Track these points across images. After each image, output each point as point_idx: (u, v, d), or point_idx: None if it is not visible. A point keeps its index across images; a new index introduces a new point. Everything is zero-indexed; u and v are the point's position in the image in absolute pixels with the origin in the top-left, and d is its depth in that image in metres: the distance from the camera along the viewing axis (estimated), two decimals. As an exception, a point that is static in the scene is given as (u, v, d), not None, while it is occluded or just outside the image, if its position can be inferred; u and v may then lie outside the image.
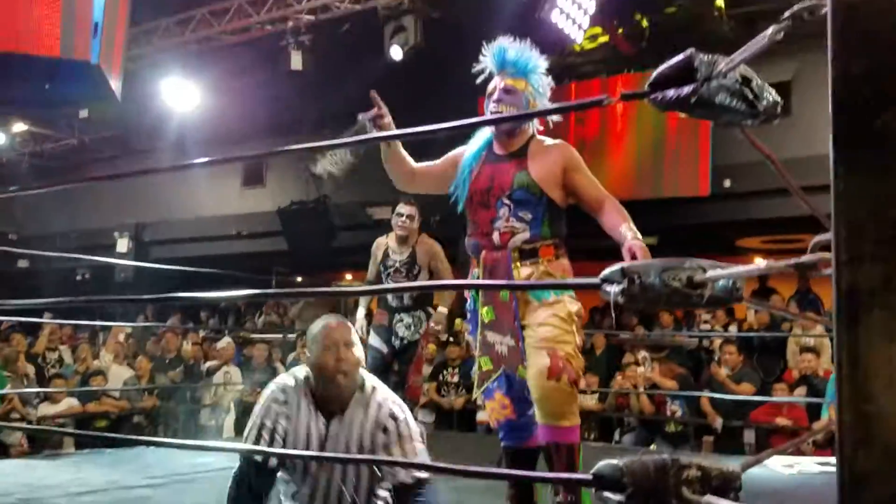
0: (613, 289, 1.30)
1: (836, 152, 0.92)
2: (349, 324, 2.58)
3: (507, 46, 3.02)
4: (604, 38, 9.50)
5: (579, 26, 7.11)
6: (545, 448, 2.62)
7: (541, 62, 3.04)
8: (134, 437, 5.99)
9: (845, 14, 0.93)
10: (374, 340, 4.83)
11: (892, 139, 0.89)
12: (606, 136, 8.98)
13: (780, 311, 5.68)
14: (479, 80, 3.10)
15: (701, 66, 1.29)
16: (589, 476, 1.33)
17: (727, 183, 8.61)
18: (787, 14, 1.13)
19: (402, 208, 4.87)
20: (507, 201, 2.89)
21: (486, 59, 3.05)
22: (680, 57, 1.32)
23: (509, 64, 2.98)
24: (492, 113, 2.96)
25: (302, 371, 2.53)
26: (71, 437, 5.72)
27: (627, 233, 2.69)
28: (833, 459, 0.93)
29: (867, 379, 0.88)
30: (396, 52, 7.17)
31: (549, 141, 2.99)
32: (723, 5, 8.61)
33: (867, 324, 0.88)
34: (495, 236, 2.87)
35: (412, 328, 4.81)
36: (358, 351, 2.50)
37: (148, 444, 3.50)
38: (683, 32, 9.22)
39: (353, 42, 8.18)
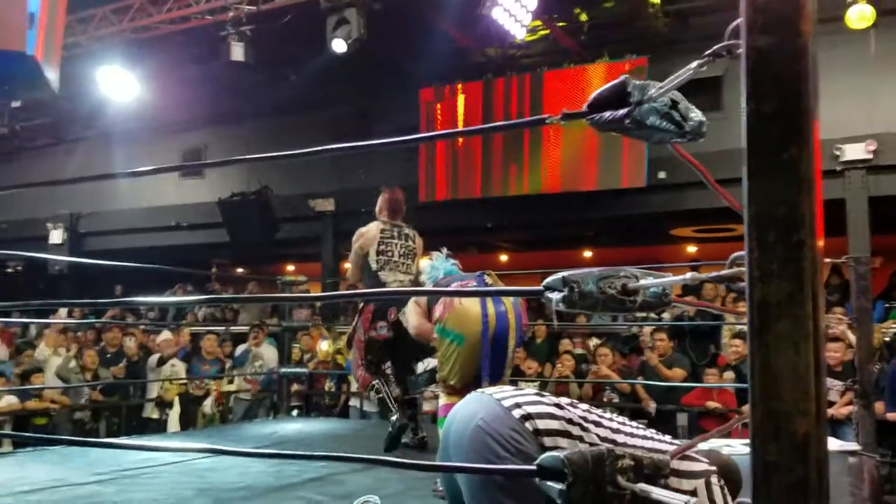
0: (555, 296, 1.42)
1: (750, 182, 1.04)
2: None
3: None
4: (544, 32, 9.68)
5: (521, 23, 7.22)
6: None
7: None
8: (79, 438, 5.93)
9: (757, 58, 1.06)
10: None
11: (796, 171, 1.02)
12: (546, 131, 9.15)
13: (705, 306, 5.93)
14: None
15: (634, 91, 1.41)
16: (533, 467, 1.46)
17: (662, 174, 8.89)
18: (708, 52, 1.25)
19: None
20: None
21: None
22: (615, 81, 1.43)
23: None
24: None
25: None
26: (9, 438, 5.62)
27: None
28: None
29: (775, 381, 1.01)
30: (339, 45, 7.16)
31: None
32: (658, 1, 8.86)
33: (775, 333, 1.01)
34: None
35: None
36: None
37: (94, 444, 3.49)
38: (620, 26, 9.47)
39: (294, 34, 8.14)
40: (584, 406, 1.93)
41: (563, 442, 1.76)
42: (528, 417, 1.80)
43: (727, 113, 8.15)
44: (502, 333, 3.51)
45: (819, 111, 1.06)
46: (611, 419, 1.92)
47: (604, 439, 1.81)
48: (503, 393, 1.91)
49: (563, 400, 1.92)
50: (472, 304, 3.48)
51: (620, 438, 1.84)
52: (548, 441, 1.76)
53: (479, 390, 2.01)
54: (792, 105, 1.03)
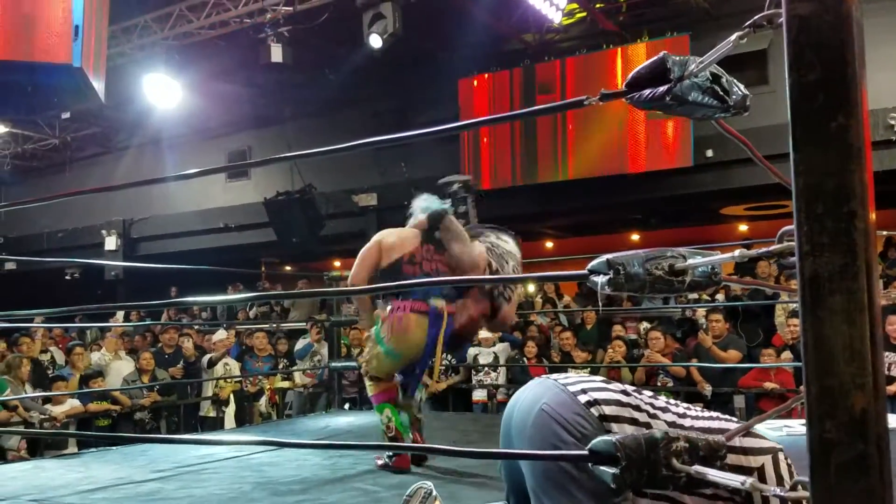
0: (600, 279, 1.40)
1: (796, 153, 1.02)
2: None
3: None
4: (581, 14, 9.56)
5: (556, 7, 7.15)
6: None
7: None
8: (140, 435, 6.08)
9: (798, 26, 1.02)
10: None
11: (844, 141, 0.99)
12: (590, 114, 9.04)
13: (757, 285, 5.78)
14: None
15: (674, 67, 1.38)
16: (586, 452, 1.44)
17: (709, 153, 8.73)
18: (748, 23, 1.21)
19: None
20: None
21: None
22: (654, 58, 1.40)
23: None
24: None
25: None
26: (74, 438, 5.77)
27: None
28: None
29: (830, 356, 0.98)
30: (376, 41, 7.18)
31: None
32: (697, -24, 8.68)
33: (828, 307, 0.98)
34: None
35: None
36: None
37: (153, 441, 3.57)
38: (660, 4, 9.30)
39: (331, 32, 8.19)
40: (649, 392, 1.91)
41: (629, 429, 1.74)
42: (593, 403, 1.78)
43: (774, 87, 7.97)
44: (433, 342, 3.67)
45: (869, 79, 1.02)
46: (676, 405, 1.90)
47: (671, 425, 1.78)
48: (569, 379, 1.89)
49: (629, 387, 1.90)
50: (418, 330, 3.62)
51: (687, 423, 1.81)
52: (615, 427, 1.74)
53: (543, 375, 1.99)
54: (837, 73, 1.00)
